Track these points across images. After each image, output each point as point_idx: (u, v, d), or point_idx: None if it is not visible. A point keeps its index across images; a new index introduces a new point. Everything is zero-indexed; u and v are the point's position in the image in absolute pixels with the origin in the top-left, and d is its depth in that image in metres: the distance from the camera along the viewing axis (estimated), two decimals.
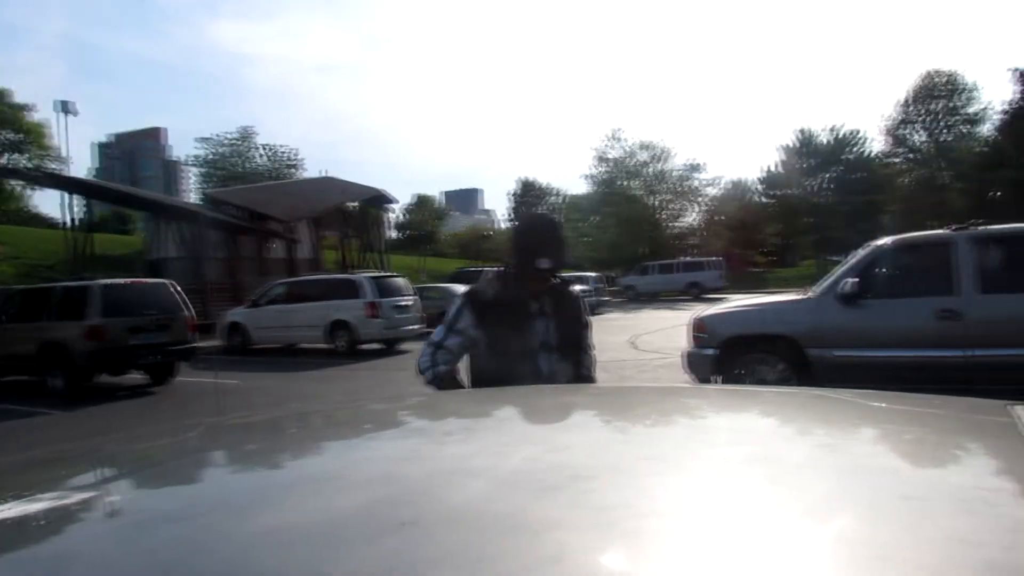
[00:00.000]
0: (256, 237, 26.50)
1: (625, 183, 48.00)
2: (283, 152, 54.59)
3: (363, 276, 16.40)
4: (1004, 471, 0.79)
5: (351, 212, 31.67)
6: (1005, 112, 39.47)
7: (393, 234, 53.10)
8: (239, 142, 52.94)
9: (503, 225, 74.70)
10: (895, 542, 0.56)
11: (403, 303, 15.76)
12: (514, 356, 2.29)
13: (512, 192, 69.18)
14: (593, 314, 20.22)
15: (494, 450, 0.92)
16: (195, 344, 11.94)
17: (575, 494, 0.70)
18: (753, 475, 0.75)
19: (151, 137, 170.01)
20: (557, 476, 0.76)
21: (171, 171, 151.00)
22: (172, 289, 11.78)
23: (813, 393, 1.46)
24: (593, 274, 30.42)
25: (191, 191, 77.31)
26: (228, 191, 33.59)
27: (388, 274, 17.82)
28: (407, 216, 64.22)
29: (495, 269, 2.71)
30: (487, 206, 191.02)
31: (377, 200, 32.77)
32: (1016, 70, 37.83)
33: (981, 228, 6.49)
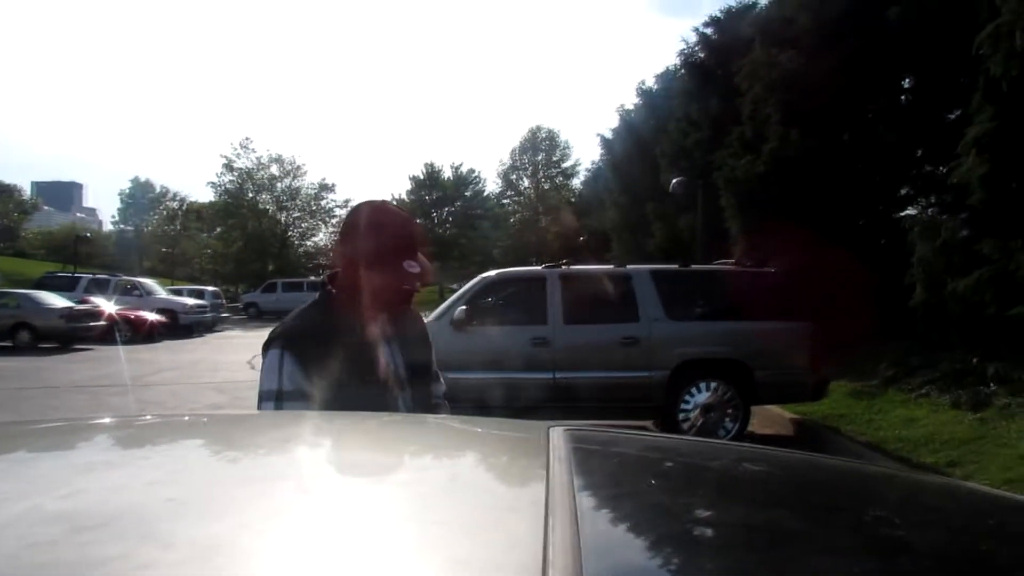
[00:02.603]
0: None
1: (254, 196, 45.88)
2: None
3: None
4: (517, 490, 0.83)
5: None
6: (588, 170, 47.31)
7: None
8: None
9: (110, 226, 66.06)
10: (389, 555, 0.58)
11: None
12: (365, 405, 1.64)
13: (123, 192, 61.81)
14: (210, 332, 19.03)
15: None
16: None
17: (69, 548, 0.59)
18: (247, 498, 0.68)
19: None
20: (50, 531, 0.62)
21: None
22: None
23: (384, 419, 1.45)
24: (211, 288, 28.46)
25: None
26: None
27: None
28: None
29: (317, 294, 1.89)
30: (90, 204, 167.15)
31: None
32: (600, 135, 45.68)
33: (568, 267, 7.54)
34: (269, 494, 0.77)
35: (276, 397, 1.68)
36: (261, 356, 1.76)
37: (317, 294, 1.86)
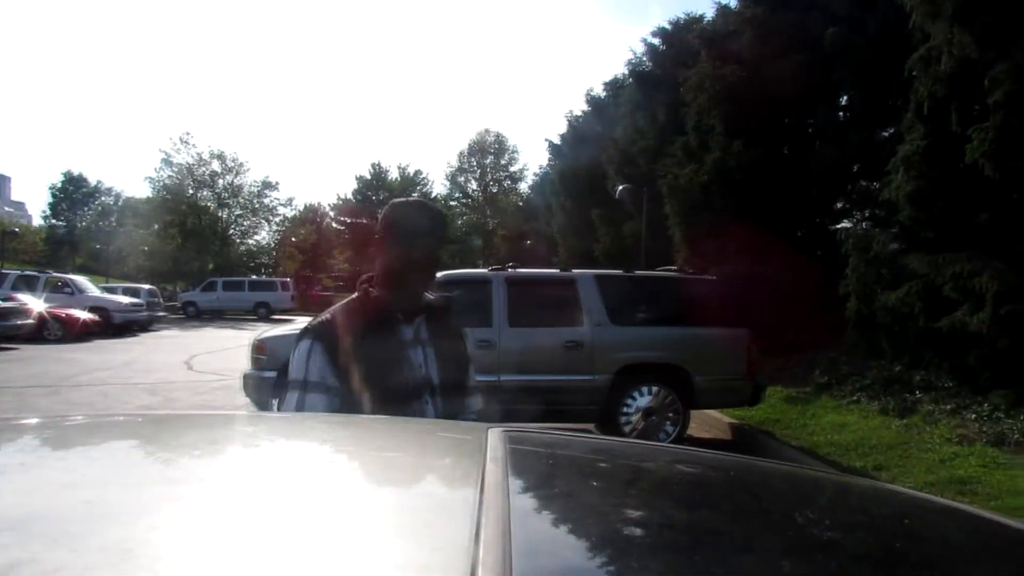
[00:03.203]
0: None
1: (194, 192, 44.59)
2: None
3: None
4: (450, 492, 0.83)
5: None
6: (536, 174, 47.56)
7: None
8: None
9: (40, 221, 63.36)
10: (311, 558, 0.57)
11: None
12: (389, 407, 1.64)
13: (54, 185, 59.41)
14: (146, 331, 18.43)
15: None
16: None
17: None
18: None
19: None
20: None
21: None
22: None
23: (323, 420, 1.43)
24: (147, 286, 27.59)
25: None
26: None
27: None
28: None
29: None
30: (18, 198, 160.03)
31: None
32: (549, 141, 45.99)
33: (513, 270, 7.56)
34: (189, 496, 0.75)
35: (301, 387, 1.70)
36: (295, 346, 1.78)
37: (355, 292, 1.85)
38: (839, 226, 11.07)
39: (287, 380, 1.75)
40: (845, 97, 11.12)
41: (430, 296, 1.86)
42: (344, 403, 1.69)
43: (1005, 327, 6.22)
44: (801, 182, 10.98)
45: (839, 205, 11.48)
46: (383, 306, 1.77)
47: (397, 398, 1.70)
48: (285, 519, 0.68)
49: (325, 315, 1.82)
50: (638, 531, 0.72)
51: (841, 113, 11.25)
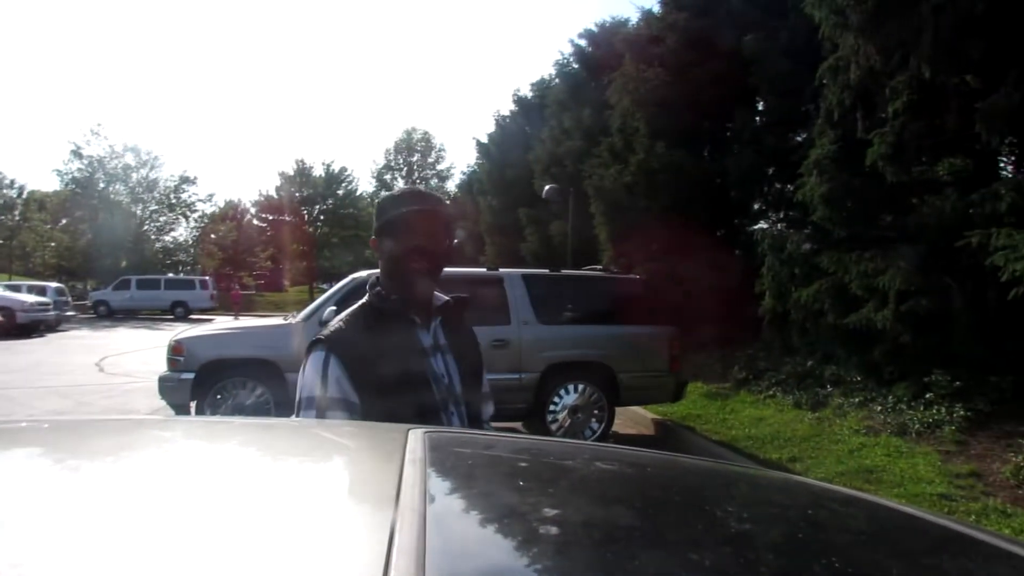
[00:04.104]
0: None
1: (106, 186, 42.52)
2: None
3: None
4: (366, 494, 0.82)
5: None
6: (464, 173, 47.52)
7: None
8: None
9: None
10: (220, 565, 0.57)
11: None
12: (415, 417, 1.45)
13: None
14: (53, 332, 17.62)
15: None
16: None
17: None
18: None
19: None
20: None
21: None
22: None
23: (255, 423, 1.40)
24: (54, 284, 26.21)
25: None
26: None
27: None
28: None
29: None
30: None
31: None
32: (477, 140, 45.97)
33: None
34: (91, 507, 0.72)
35: (319, 405, 1.53)
36: (304, 358, 1.59)
37: (366, 296, 1.68)
38: (756, 227, 11.48)
39: (299, 398, 1.58)
40: (762, 103, 11.54)
41: (442, 295, 1.71)
42: (366, 418, 1.54)
43: (906, 323, 6.58)
44: (721, 184, 11.34)
45: (757, 206, 11.90)
46: (397, 310, 1.63)
47: (424, 413, 1.57)
48: (194, 525, 0.66)
49: (337, 323, 1.64)
50: (554, 530, 0.73)
51: (758, 118, 11.67)
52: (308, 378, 1.56)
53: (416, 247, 1.59)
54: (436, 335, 1.67)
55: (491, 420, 1.88)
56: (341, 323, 1.64)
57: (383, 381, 1.53)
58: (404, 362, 1.59)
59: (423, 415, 1.55)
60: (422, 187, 1.71)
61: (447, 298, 1.70)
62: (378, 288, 1.66)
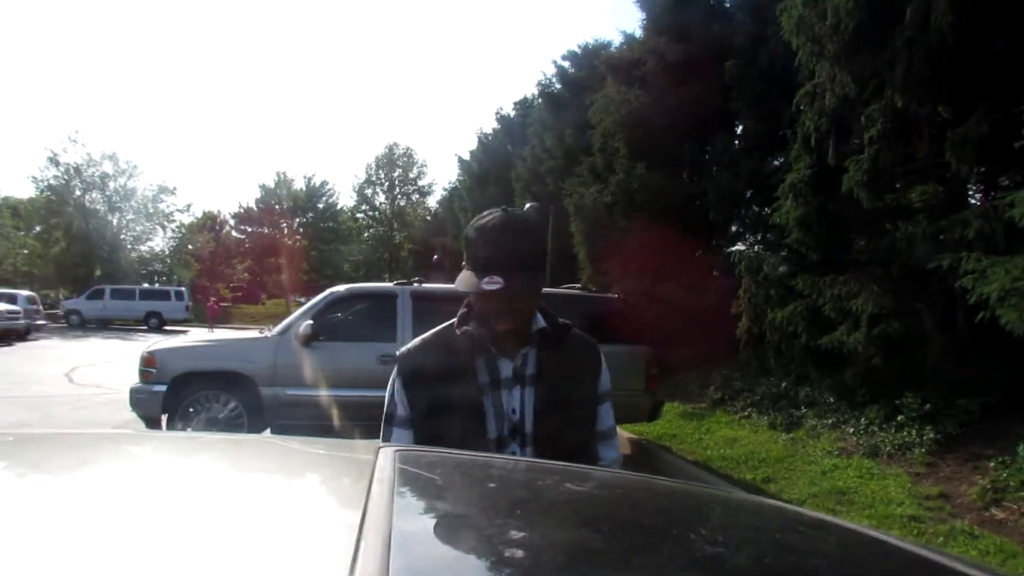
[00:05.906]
0: None
1: (83, 194, 41.94)
2: None
3: None
4: (333, 514, 0.83)
5: None
6: (446, 189, 47.58)
7: None
8: None
9: None
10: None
11: None
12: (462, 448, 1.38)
13: None
14: (23, 340, 17.23)
15: None
16: None
17: None
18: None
19: None
20: None
21: None
22: None
23: (228, 439, 1.39)
24: (25, 292, 25.77)
25: None
26: None
27: None
28: None
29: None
30: None
31: None
32: (459, 156, 46.10)
33: (420, 285, 7.51)
34: (57, 522, 0.71)
35: (387, 420, 1.58)
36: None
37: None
38: (734, 248, 11.60)
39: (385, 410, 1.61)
40: (740, 126, 11.70)
41: (542, 321, 1.55)
42: (419, 441, 1.51)
43: (878, 346, 6.67)
44: (699, 205, 11.46)
45: (734, 228, 12.02)
46: (468, 339, 1.52)
47: (474, 444, 1.46)
48: (156, 543, 0.65)
49: (417, 339, 1.62)
50: (520, 553, 0.73)
51: (737, 141, 11.83)
52: (387, 391, 1.62)
53: (484, 282, 1.43)
54: (525, 364, 1.53)
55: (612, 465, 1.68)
56: (420, 340, 1.62)
57: (431, 407, 1.50)
58: (455, 392, 1.50)
59: (475, 449, 1.45)
60: (509, 210, 1.53)
61: (544, 325, 1.55)
62: (464, 310, 1.58)
